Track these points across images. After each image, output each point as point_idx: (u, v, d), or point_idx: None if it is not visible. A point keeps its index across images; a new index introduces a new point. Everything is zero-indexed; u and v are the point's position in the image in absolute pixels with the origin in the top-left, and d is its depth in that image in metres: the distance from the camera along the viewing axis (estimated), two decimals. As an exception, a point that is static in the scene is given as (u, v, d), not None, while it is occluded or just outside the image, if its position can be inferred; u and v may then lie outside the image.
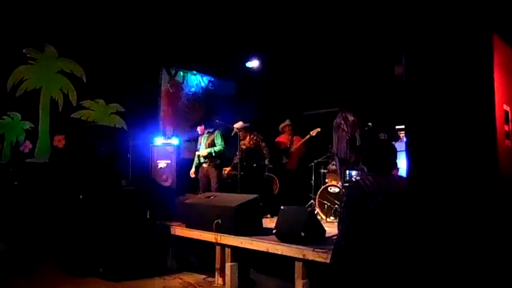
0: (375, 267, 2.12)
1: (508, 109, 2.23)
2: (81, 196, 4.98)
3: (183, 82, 7.70)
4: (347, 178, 5.49)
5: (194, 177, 6.20)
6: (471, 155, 2.07)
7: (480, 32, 2.09)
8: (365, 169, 2.42)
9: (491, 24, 2.14)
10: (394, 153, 2.34)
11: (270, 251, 3.99)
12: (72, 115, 6.15)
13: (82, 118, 6.24)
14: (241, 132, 6.27)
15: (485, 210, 2.00)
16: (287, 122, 6.80)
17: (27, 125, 5.70)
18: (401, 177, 2.35)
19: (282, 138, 6.86)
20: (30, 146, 5.71)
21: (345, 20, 5.88)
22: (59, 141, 5.94)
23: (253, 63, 7.63)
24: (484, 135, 2.07)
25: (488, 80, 2.08)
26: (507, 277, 2.02)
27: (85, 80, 6.28)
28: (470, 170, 2.09)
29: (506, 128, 2.22)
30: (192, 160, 6.36)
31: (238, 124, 6.30)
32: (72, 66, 6.19)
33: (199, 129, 6.30)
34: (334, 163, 5.90)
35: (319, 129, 6.35)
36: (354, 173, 5.48)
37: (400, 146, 5.04)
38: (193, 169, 6.20)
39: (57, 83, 6.04)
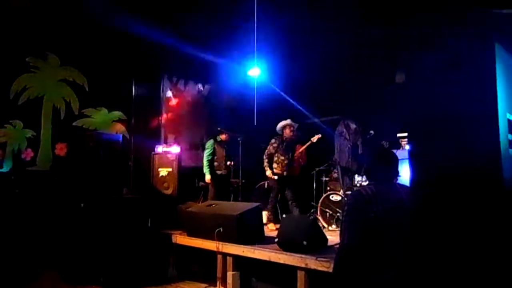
0: (378, 277, 2.10)
1: (511, 118, 2.24)
2: (82, 205, 4.97)
3: (184, 90, 7.73)
4: (355, 182, 5.46)
5: (203, 185, 6.21)
6: (475, 164, 2.07)
7: (483, 42, 2.10)
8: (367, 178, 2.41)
9: (493, 34, 2.15)
10: (396, 162, 2.33)
11: (272, 260, 3.97)
12: (74, 123, 6.16)
13: (84, 126, 6.25)
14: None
15: (489, 218, 2.00)
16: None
17: (29, 133, 5.71)
18: (402, 185, 2.35)
19: None
20: (32, 154, 5.71)
21: (346, 27, 5.90)
22: (61, 149, 5.95)
23: (254, 71, 7.65)
24: (487, 144, 2.08)
25: (491, 90, 2.09)
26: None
27: (87, 88, 6.31)
28: (474, 179, 2.08)
29: (510, 137, 2.22)
30: (196, 168, 6.37)
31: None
32: (74, 75, 6.22)
33: (224, 136, 6.26)
34: (336, 171, 5.88)
35: (319, 135, 6.32)
36: (359, 178, 5.44)
37: (401, 154, 5.04)
38: (209, 176, 6.05)
39: (59, 91, 6.07)
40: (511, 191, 2.14)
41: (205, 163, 6.11)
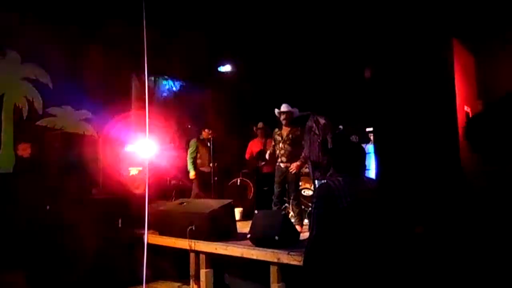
0: (346, 268, 2.14)
1: (468, 110, 2.33)
2: (48, 207, 4.80)
3: (154, 88, 7.59)
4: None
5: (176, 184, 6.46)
6: (435, 154, 2.15)
7: (441, 38, 2.18)
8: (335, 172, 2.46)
9: (451, 29, 2.24)
10: (362, 155, 2.38)
11: (245, 256, 3.98)
12: (37, 123, 5.92)
13: (48, 125, 6.02)
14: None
15: (449, 205, 2.08)
16: (260, 124, 6.83)
17: (-11, 134, 5.45)
18: (369, 178, 2.40)
19: (255, 141, 6.87)
20: (-8, 155, 5.45)
21: (316, 25, 5.98)
22: (24, 149, 5.70)
23: (226, 68, 7.63)
24: (447, 135, 2.16)
25: (449, 83, 2.17)
26: (472, 268, 2.10)
27: (51, 87, 6.08)
28: (435, 169, 2.16)
29: (468, 128, 2.32)
30: (167, 166, 6.42)
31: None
32: (37, 72, 5.97)
33: (205, 134, 6.40)
34: (307, 166, 5.93)
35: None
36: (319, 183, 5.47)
37: (370, 148, 5.15)
38: (194, 172, 6.25)
39: (21, 90, 5.81)
40: (469, 179, 2.23)
41: (189, 161, 6.32)
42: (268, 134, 6.56)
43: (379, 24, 2.68)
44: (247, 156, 7.06)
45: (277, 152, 5.27)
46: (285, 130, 5.29)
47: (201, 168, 6.32)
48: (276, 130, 5.42)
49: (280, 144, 5.25)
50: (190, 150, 6.39)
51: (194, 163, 6.29)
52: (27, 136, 5.73)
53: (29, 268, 4.70)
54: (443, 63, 2.18)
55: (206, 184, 6.23)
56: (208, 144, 6.34)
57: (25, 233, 4.91)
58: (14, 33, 5.58)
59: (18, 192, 5.28)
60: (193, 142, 6.45)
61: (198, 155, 6.35)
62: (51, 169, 5.38)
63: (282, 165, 5.24)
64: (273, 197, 5.36)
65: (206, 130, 6.42)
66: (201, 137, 6.47)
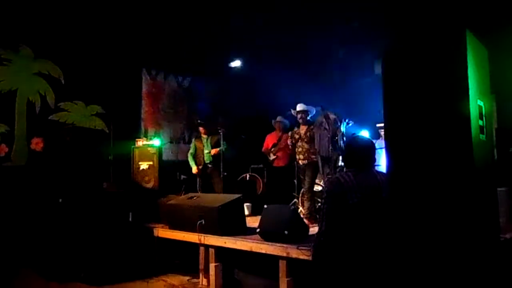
0: (355, 262, 2.14)
1: (482, 104, 2.28)
2: (60, 200, 4.87)
3: (164, 83, 7.63)
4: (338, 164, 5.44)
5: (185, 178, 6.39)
6: (446, 149, 2.11)
7: (454, 30, 2.14)
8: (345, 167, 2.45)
9: (464, 21, 2.19)
10: (372, 149, 2.36)
11: (254, 250, 3.99)
12: (50, 117, 6.01)
13: (60, 120, 6.11)
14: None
15: (462, 202, 2.05)
16: (279, 118, 6.76)
17: (3, 128, 5.55)
18: (380, 172, 2.38)
19: (273, 135, 6.83)
20: (6, 149, 5.55)
21: (325, 18, 5.93)
22: (37, 144, 5.80)
23: (235, 63, 7.62)
24: (459, 131, 2.12)
25: (462, 77, 2.12)
26: (481, 265, 2.07)
27: (63, 82, 6.16)
28: (447, 165, 2.13)
29: (481, 123, 2.27)
30: (177, 161, 6.46)
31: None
32: (49, 67, 6.05)
33: (201, 130, 6.41)
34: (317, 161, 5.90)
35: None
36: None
37: (380, 144, 5.10)
38: (195, 167, 6.26)
39: (34, 85, 5.90)
40: (483, 177, 2.19)
41: (189, 158, 6.40)
42: (286, 129, 6.50)
43: (391, 16, 2.64)
44: (263, 149, 7.00)
45: (296, 149, 5.46)
46: (302, 129, 5.47)
47: (199, 166, 6.33)
48: (295, 129, 5.58)
49: (299, 143, 5.43)
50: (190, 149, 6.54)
51: (193, 160, 6.36)
52: (39, 130, 5.82)
53: (41, 260, 4.79)
54: (456, 55, 2.13)
55: (206, 179, 6.30)
56: (205, 140, 6.34)
57: (38, 226, 5.00)
58: (28, 28, 5.65)
59: (31, 185, 5.38)
60: (192, 142, 6.61)
61: (196, 152, 6.39)
62: (63, 163, 5.47)
63: (300, 162, 5.43)
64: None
65: (200, 128, 6.42)
66: (198, 134, 6.52)
